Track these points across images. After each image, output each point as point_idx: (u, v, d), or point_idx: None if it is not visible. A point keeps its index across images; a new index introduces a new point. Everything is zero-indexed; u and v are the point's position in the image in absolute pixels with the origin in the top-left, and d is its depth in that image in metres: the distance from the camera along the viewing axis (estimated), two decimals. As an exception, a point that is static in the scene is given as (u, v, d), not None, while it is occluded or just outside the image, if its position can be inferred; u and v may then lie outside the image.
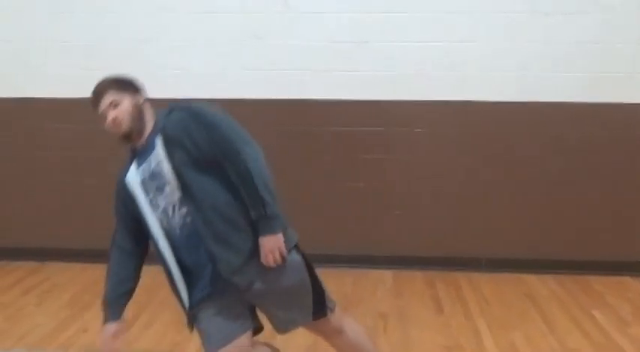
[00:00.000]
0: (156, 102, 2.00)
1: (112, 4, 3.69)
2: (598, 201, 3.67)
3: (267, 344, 2.11)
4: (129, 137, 1.91)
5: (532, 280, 3.61)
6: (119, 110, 1.87)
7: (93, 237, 3.80)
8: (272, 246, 1.81)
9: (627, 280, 3.62)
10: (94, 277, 3.64)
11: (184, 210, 1.84)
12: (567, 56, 3.53)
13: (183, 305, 1.95)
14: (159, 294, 3.04)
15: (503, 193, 3.72)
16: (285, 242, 1.84)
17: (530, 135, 3.66)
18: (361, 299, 3.34)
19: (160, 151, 1.84)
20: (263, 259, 1.82)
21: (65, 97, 3.73)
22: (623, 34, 3.50)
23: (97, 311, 3.14)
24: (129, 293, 2.01)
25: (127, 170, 1.94)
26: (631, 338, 2.85)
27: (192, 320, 1.95)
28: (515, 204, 3.72)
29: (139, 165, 1.90)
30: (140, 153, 1.92)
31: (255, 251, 1.83)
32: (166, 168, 1.83)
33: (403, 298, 3.38)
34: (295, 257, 1.93)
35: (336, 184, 3.78)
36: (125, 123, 1.87)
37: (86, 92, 3.90)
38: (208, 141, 1.81)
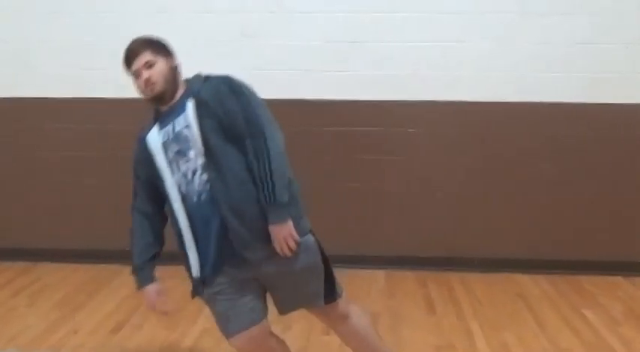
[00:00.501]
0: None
1: (111, 4, 3.70)
2: (594, 202, 3.68)
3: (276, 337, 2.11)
4: (161, 99, 1.91)
5: (524, 280, 3.62)
6: (154, 71, 1.88)
7: (91, 237, 3.86)
8: (285, 234, 1.82)
9: (619, 280, 3.63)
10: (85, 278, 3.67)
11: (205, 176, 1.83)
12: (565, 56, 3.53)
13: (190, 273, 1.94)
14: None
15: (500, 194, 3.73)
16: (297, 228, 1.85)
17: (527, 135, 3.66)
18: (354, 299, 3.32)
19: (190, 115, 1.84)
20: (277, 248, 1.83)
21: (65, 97, 3.75)
22: (621, 35, 3.49)
23: (88, 312, 3.17)
24: (155, 258, 2.02)
25: (148, 130, 1.94)
26: (621, 337, 2.88)
27: (205, 300, 1.95)
28: (511, 204, 3.73)
29: (162, 127, 1.90)
30: (165, 116, 1.92)
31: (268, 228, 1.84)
32: (195, 132, 1.83)
33: (395, 298, 3.39)
34: (310, 239, 1.94)
35: (334, 184, 3.79)
36: (159, 85, 1.88)
37: (86, 92, 3.93)
38: (239, 113, 1.82)
